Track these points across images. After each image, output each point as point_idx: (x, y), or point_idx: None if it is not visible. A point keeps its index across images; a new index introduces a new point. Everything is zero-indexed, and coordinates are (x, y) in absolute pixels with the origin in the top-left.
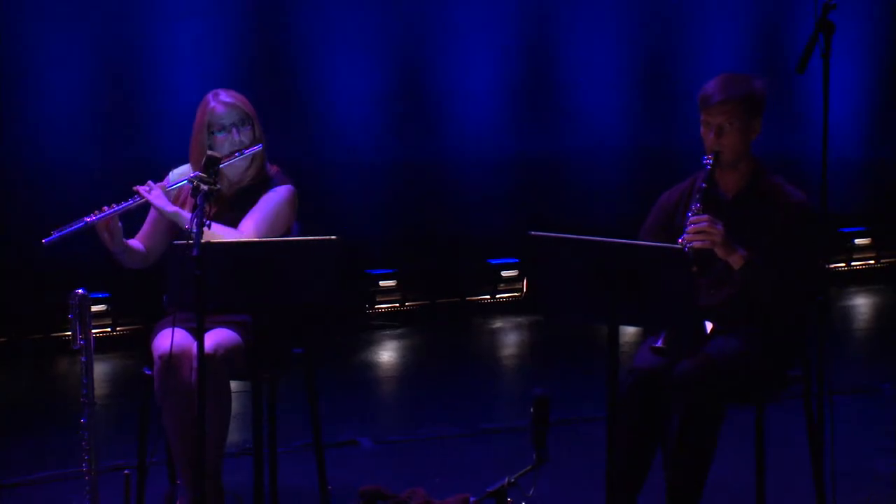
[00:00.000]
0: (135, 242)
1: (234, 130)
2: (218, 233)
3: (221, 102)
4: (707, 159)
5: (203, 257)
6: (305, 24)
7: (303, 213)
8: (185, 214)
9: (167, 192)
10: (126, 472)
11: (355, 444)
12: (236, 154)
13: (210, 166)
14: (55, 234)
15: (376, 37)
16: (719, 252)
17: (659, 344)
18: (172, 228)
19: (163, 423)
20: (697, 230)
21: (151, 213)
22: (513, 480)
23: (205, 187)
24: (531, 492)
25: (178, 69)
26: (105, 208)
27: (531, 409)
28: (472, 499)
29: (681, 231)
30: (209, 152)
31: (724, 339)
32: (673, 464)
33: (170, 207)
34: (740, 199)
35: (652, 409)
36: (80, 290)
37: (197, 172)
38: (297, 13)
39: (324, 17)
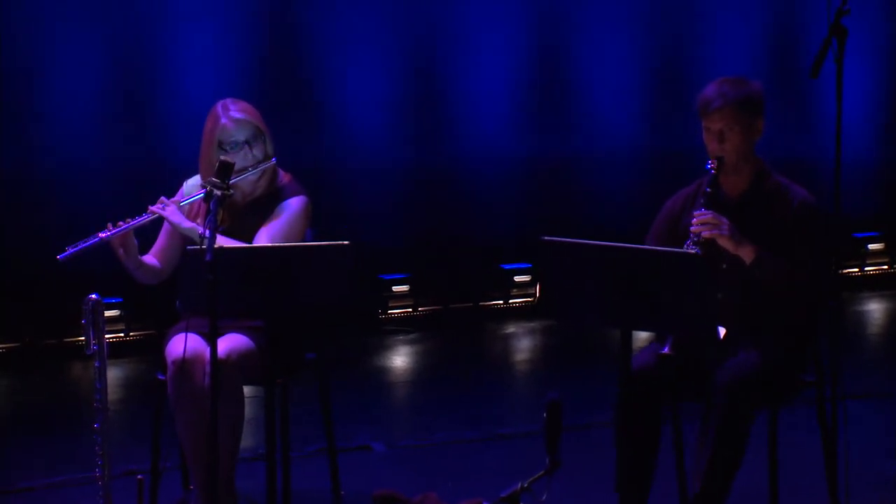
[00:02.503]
0: (149, 258)
1: (245, 147)
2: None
3: (232, 119)
4: (710, 164)
5: (216, 262)
6: (318, 29)
7: (315, 218)
8: (202, 230)
9: (181, 208)
10: (139, 477)
11: (368, 448)
12: (249, 170)
13: (223, 171)
14: (70, 250)
15: (389, 41)
16: (728, 246)
17: (665, 350)
18: (188, 242)
19: (176, 428)
20: (703, 221)
21: (166, 227)
22: (526, 485)
23: (218, 193)
24: (544, 497)
25: (190, 73)
26: (120, 223)
27: (544, 414)
28: (484, 503)
29: (686, 235)
30: (222, 157)
31: (743, 348)
32: (705, 474)
33: (186, 223)
34: (744, 201)
35: (649, 411)
36: (93, 296)
37: (210, 178)
38: (309, 17)
39: (336, 22)
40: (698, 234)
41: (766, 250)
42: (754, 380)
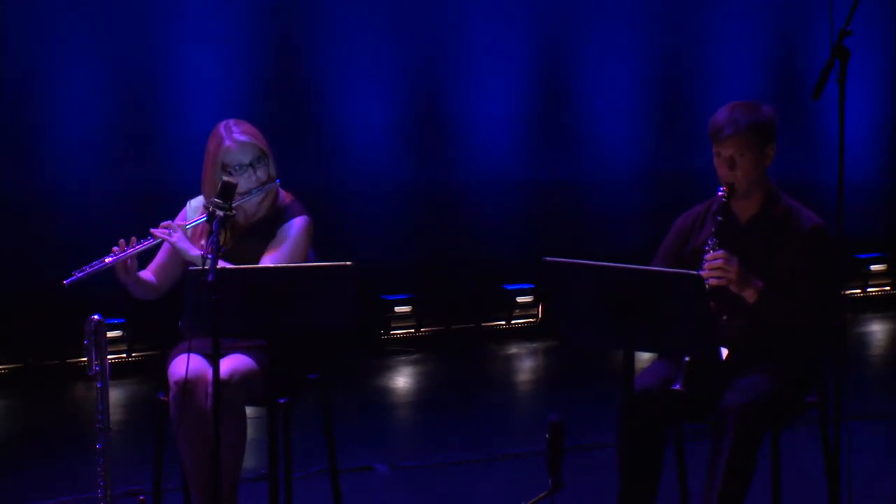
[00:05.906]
0: (146, 274)
1: (249, 169)
2: None
3: (236, 141)
4: (721, 191)
5: (219, 283)
6: (322, 51)
7: (318, 238)
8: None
9: (185, 232)
10: (141, 497)
11: (371, 469)
12: (253, 192)
13: (226, 192)
14: (76, 275)
15: (392, 63)
16: (734, 288)
17: (677, 387)
18: (188, 262)
19: (178, 448)
20: (714, 267)
21: (167, 246)
22: None
23: (220, 213)
24: None
25: (194, 97)
26: (123, 242)
27: (546, 435)
28: None
29: (693, 255)
30: (225, 178)
31: (750, 369)
32: (721, 499)
33: (193, 251)
34: (754, 225)
35: (652, 432)
36: (95, 316)
37: (213, 199)
38: (313, 40)
39: (340, 44)
40: (707, 280)
41: (771, 281)
42: (766, 402)
